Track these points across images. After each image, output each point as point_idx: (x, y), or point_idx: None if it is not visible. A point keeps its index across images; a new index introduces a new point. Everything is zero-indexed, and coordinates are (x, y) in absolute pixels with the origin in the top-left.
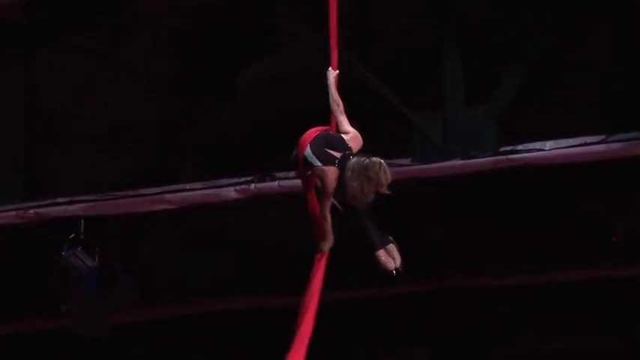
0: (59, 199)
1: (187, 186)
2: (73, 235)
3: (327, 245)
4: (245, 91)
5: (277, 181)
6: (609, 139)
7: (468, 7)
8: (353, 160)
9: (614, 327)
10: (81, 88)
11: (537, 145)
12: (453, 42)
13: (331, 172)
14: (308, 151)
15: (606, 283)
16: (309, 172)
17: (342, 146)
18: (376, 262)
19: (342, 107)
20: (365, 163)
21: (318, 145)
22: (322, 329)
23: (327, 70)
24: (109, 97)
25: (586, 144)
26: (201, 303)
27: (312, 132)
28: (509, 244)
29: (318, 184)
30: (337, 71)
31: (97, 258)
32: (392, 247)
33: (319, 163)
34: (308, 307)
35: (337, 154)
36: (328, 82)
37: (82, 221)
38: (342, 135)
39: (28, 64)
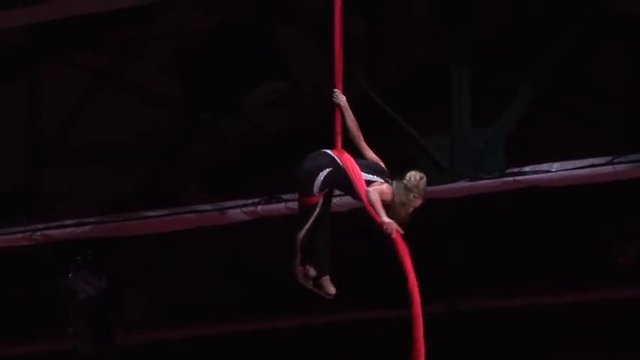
0: (66, 221)
1: (194, 207)
2: (79, 257)
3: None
4: (250, 111)
5: (284, 203)
6: (616, 161)
7: (477, 27)
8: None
9: (627, 348)
10: (84, 107)
11: (544, 166)
12: (461, 62)
13: (388, 188)
14: (364, 174)
15: (617, 304)
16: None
17: (386, 173)
18: (323, 283)
19: (360, 134)
20: (411, 182)
21: (365, 167)
22: (328, 352)
23: (332, 90)
24: (113, 118)
25: (592, 165)
26: (207, 325)
27: (345, 154)
28: (516, 266)
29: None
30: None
31: (102, 280)
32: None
33: (379, 179)
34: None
35: (387, 178)
36: (342, 105)
37: (89, 243)
38: (378, 162)
39: (30, 83)
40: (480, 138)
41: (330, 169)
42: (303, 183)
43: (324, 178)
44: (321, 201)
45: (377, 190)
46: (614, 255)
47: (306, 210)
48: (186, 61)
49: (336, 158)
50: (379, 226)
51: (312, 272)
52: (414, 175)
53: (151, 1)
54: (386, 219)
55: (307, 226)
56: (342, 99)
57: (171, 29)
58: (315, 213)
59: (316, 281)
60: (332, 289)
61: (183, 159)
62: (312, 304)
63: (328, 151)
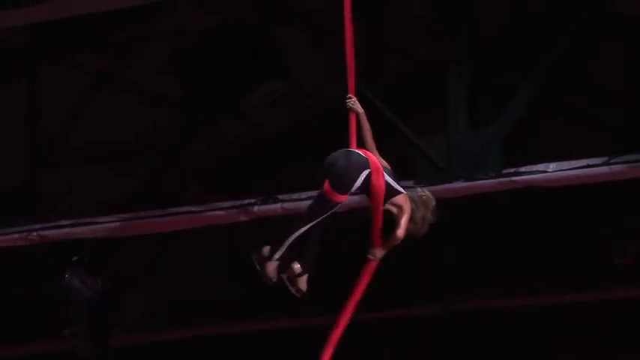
0: (63, 222)
1: (190, 208)
2: (76, 257)
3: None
4: (250, 111)
5: (280, 204)
6: (612, 161)
7: (477, 27)
8: (411, 191)
9: (627, 348)
10: (84, 107)
11: (540, 167)
12: (460, 63)
13: (408, 200)
14: (387, 177)
15: (615, 304)
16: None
17: (395, 177)
18: (299, 280)
19: (373, 142)
20: (425, 196)
21: (389, 175)
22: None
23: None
24: (113, 118)
25: (589, 166)
26: (207, 325)
27: (372, 157)
28: (514, 266)
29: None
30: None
31: (100, 280)
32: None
33: (403, 191)
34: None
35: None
36: (359, 111)
37: (86, 243)
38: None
39: (30, 83)
40: (477, 139)
41: (369, 170)
42: (344, 179)
43: (365, 178)
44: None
45: (407, 221)
46: (612, 255)
47: (327, 206)
48: (186, 61)
49: (369, 160)
50: (372, 247)
51: (297, 269)
52: (427, 191)
53: (151, 1)
54: (377, 252)
55: (315, 221)
56: (357, 105)
57: (171, 29)
58: (332, 211)
59: (292, 277)
60: (305, 288)
61: (183, 159)
62: (312, 305)
63: (358, 151)
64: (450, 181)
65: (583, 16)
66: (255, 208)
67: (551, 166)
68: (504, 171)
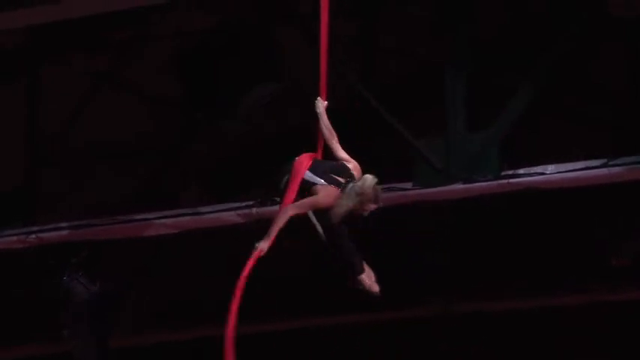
0: (61, 224)
1: (189, 210)
2: (74, 259)
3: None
4: (247, 112)
5: (278, 206)
6: (611, 163)
7: (477, 27)
8: (352, 184)
9: (625, 350)
10: (84, 107)
11: (539, 169)
12: (460, 63)
13: (332, 191)
14: (308, 174)
15: (613, 305)
16: (306, 193)
17: (347, 174)
18: (359, 284)
19: (336, 137)
20: (359, 184)
21: (321, 170)
22: (328, 353)
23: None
24: (113, 118)
25: (587, 168)
26: (204, 328)
27: (305, 158)
28: (512, 267)
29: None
30: (326, 102)
31: (98, 282)
32: (369, 270)
33: (322, 182)
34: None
35: (342, 180)
36: (318, 112)
37: (84, 246)
38: (344, 163)
39: (30, 83)
40: (476, 140)
41: (289, 175)
42: (274, 188)
43: (286, 183)
44: None
45: (298, 205)
46: (609, 256)
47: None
48: (186, 61)
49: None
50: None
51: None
52: (366, 180)
53: (151, 1)
54: (262, 244)
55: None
56: (320, 105)
57: (171, 29)
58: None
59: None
60: (374, 287)
61: (183, 159)
62: (312, 306)
63: (296, 158)
64: (448, 183)
65: (583, 16)
66: (254, 210)
67: (550, 168)
68: (502, 173)
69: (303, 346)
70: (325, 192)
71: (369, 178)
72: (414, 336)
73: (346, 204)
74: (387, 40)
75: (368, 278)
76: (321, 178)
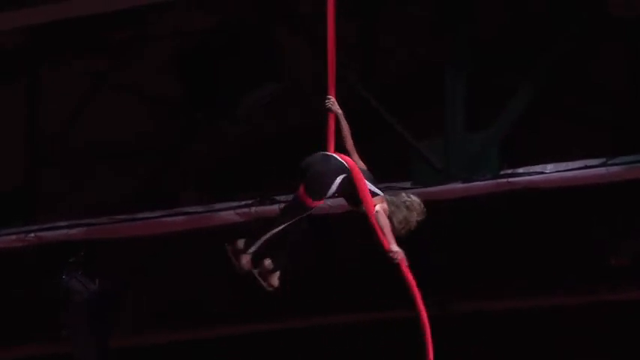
0: (60, 223)
1: (187, 209)
2: (73, 258)
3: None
4: (247, 113)
5: (277, 205)
6: (609, 162)
7: (477, 27)
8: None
9: (624, 350)
10: (84, 107)
11: (538, 168)
12: (460, 63)
13: (386, 202)
14: (368, 184)
15: (612, 305)
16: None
17: (372, 179)
18: (271, 275)
19: (352, 142)
20: (409, 201)
21: (366, 176)
22: (328, 353)
23: (326, 97)
24: (113, 118)
25: (586, 167)
26: (204, 328)
27: (348, 159)
28: (511, 267)
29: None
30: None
31: (97, 282)
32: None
33: (381, 193)
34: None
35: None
36: (336, 110)
37: (83, 245)
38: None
39: (30, 83)
40: (476, 140)
41: (345, 175)
42: (318, 185)
43: (340, 184)
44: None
45: (385, 211)
46: (608, 256)
47: (301, 210)
48: (186, 61)
49: (345, 164)
50: (385, 252)
51: (268, 265)
52: (413, 196)
53: (151, 1)
54: (395, 247)
55: (291, 222)
56: (336, 106)
57: (171, 29)
58: (306, 214)
59: (263, 273)
60: (276, 283)
61: (183, 159)
62: (312, 306)
63: (335, 155)
64: (447, 183)
65: (583, 16)
66: (252, 209)
67: (549, 167)
68: (502, 172)
69: (303, 346)
70: (382, 202)
71: (414, 196)
72: (413, 336)
73: (397, 218)
74: (387, 40)
75: (271, 277)
76: (376, 187)
